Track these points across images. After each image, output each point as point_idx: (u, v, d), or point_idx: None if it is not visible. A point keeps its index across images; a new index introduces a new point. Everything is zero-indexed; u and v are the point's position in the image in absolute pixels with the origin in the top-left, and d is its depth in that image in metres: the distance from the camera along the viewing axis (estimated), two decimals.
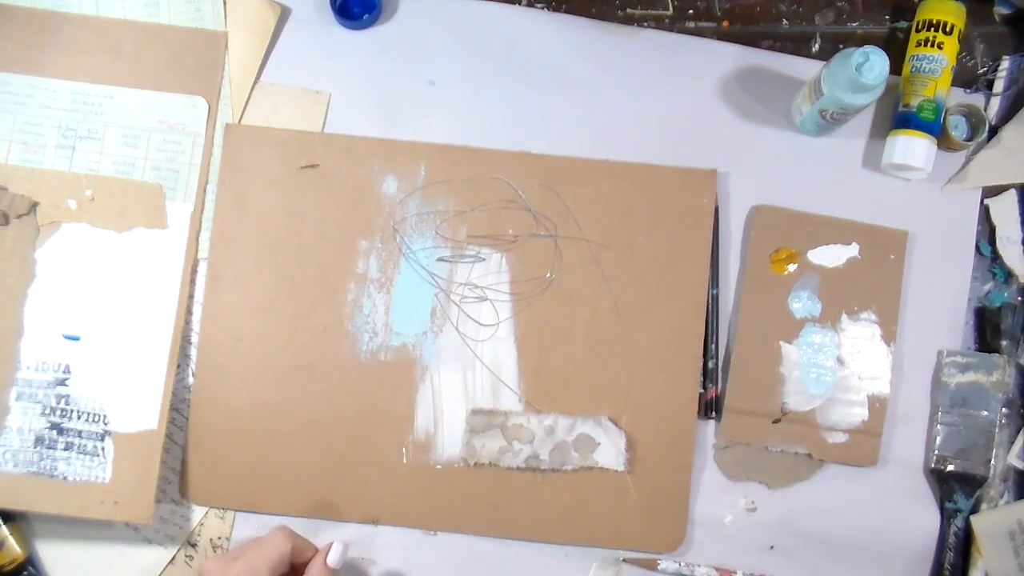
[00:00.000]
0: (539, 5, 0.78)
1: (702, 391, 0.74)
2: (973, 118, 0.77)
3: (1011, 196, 0.77)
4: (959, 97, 0.77)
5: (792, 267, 0.75)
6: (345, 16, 0.76)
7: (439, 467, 0.73)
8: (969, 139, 0.76)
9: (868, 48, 0.67)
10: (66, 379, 0.72)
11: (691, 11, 0.79)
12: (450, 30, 0.77)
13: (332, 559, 0.65)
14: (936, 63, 0.74)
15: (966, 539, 0.74)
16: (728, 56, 0.78)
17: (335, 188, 0.75)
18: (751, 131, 0.77)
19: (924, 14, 0.75)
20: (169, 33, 0.75)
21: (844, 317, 0.75)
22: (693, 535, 0.74)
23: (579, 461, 0.72)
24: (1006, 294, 0.77)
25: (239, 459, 0.73)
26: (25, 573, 0.71)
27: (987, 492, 0.75)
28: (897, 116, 0.75)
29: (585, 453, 0.72)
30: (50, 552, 0.73)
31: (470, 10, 0.77)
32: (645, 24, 0.79)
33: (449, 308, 0.74)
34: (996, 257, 0.77)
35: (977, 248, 0.77)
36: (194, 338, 0.74)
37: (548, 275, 0.75)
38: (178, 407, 0.73)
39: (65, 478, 0.71)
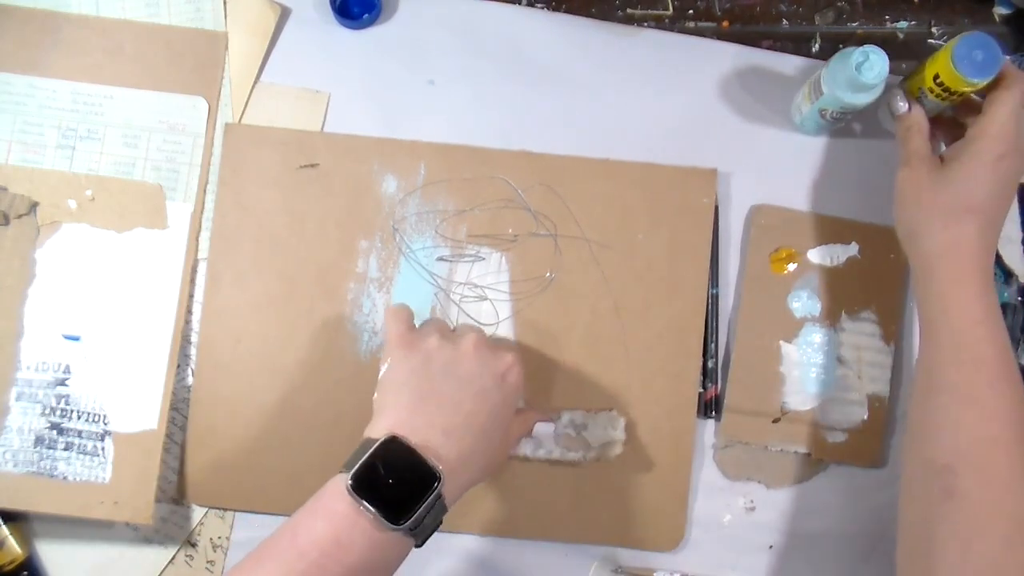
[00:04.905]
0: (539, 5, 0.78)
1: (702, 391, 0.74)
2: None
3: None
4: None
5: (792, 267, 0.75)
6: (345, 16, 0.76)
7: None
8: None
9: (868, 48, 0.67)
10: (66, 379, 0.72)
11: (691, 11, 0.79)
12: (450, 30, 0.77)
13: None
14: None
15: None
16: (728, 56, 0.78)
17: (335, 188, 0.74)
18: (751, 131, 0.77)
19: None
20: (169, 33, 0.75)
21: (844, 317, 0.75)
22: (692, 534, 0.74)
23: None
24: (1006, 294, 0.77)
25: (239, 459, 0.73)
26: (25, 573, 0.71)
27: None
28: None
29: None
30: (50, 552, 0.73)
31: (470, 10, 0.77)
32: (645, 24, 0.79)
33: (449, 307, 0.74)
34: (996, 257, 0.77)
35: None
36: (194, 338, 0.74)
37: (548, 275, 0.75)
38: (178, 407, 0.73)
39: (65, 478, 0.71)
